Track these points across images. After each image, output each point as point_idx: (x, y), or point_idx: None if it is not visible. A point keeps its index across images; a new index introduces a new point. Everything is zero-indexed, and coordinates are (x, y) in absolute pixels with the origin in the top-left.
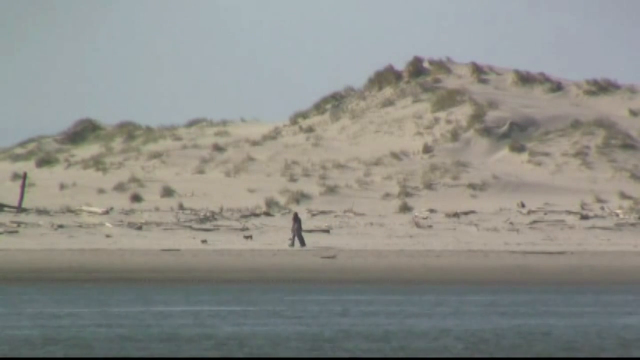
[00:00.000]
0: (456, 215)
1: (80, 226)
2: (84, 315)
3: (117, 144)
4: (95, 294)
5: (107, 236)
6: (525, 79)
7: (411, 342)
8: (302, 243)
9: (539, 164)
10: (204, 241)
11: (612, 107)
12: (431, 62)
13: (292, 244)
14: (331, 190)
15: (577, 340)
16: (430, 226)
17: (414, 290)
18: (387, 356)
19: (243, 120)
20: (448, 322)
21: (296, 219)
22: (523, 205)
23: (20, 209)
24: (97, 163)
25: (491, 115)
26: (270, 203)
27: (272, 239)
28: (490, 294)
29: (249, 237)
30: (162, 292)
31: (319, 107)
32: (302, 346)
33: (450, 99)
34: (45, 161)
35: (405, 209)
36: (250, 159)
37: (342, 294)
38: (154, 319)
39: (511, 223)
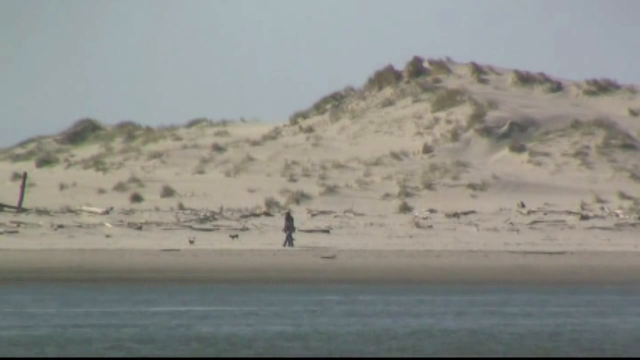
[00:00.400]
0: (456, 215)
1: (80, 226)
2: (56, 315)
3: (117, 144)
4: (81, 294)
5: (107, 236)
6: (525, 79)
7: (392, 343)
8: (290, 243)
9: (539, 164)
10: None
11: (612, 107)
12: (431, 62)
13: (292, 244)
14: (331, 190)
15: (551, 339)
16: (430, 226)
17: (410, 290)
18: (381, 356)
19: (243, 120)
20: (423, 322)
21: (288, 219)
22: (523, 205)
23: (20, 209)
24: (97, 163)
25: (491, 115)
26: (270, 203)
27: (272, 239)
28: (481, 294)
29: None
30: (157, 292)
31: (319, 107)
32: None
33: (450, 99)
34: (45, 161)
35: (405, 209)
36: (250, 159)
37: (340, 294)
38: (133, 318)
39: (511, 223)
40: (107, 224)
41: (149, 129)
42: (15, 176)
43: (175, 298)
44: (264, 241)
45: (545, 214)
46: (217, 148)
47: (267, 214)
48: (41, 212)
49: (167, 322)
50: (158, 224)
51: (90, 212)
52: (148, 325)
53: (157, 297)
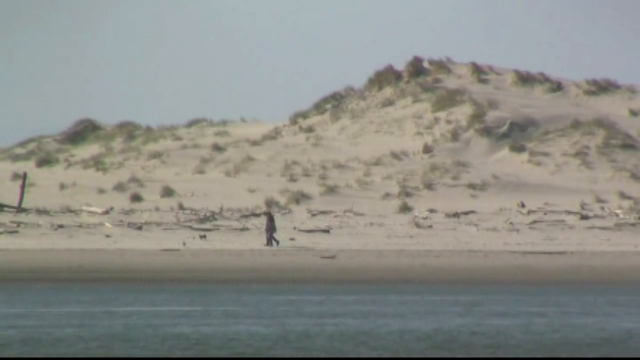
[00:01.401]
0: (456, 215)
1: (80, 226)
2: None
3: (117, 144)
4: (56, 294)
5: (107, 236)
6: (525, 79)
7: (376, 343)
8: (272, 243)
9: (539, 164)
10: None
11: (612, 107)
12: (431, 62)
13: (272, 243)
14: (331, 190)
15: (520, 338)
16: (430, 226)
17: (403, 290)
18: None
19: (243, 120)
20: (407, 322)
21: (270, 219)
22: (523, 205)
23: (20, 209)
24: (97, 163)
25: (491, 115)
26: (270, 203)
27: None
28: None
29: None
30: (150, 292)
31: (319, 107)
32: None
33: (450, 99)
34: (45, 161)
35: (405, 209)
36: (250, 159)
37: (338, 294)
38: (93, 319)
39: (511, 223)
40: (107, 224)
41: (149, 129)
42: (15, 176)
43: (146, 298)
44: (263, 241)
45: (545, 214)
46: (217, 148)
47: (267, 213)
48: (41, 212)
49: (134, 322)
50: (158, 224)
51: (90, 212)
52: (94, 325)
53: (147, 297)
